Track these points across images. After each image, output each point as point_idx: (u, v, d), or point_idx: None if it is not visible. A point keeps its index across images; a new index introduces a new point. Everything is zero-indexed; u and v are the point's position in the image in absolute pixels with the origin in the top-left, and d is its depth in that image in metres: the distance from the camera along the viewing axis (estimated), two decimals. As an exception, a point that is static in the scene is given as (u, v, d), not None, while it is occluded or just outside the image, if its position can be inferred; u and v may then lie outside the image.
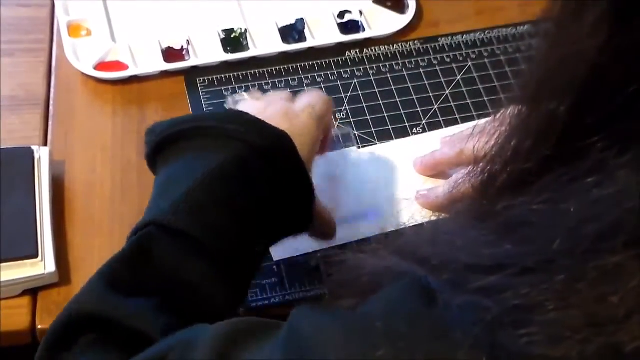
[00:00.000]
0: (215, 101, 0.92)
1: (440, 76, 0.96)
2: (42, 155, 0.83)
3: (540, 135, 0.37)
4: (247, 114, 0.68)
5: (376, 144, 0.90)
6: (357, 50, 0.98)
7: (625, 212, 0.30)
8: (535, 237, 0.33)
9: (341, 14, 1.00)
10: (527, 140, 0.38)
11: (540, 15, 0.39)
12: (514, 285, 0.32)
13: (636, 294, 0.30)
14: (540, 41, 0.41)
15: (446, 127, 0.91)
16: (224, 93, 0.93)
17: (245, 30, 0.97)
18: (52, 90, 0.93)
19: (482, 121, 0.43)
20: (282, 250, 0.80)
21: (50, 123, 0.90)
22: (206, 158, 0.63)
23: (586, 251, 0.31)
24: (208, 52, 0.96)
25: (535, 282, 0.32)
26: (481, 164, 0.42)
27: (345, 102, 0.93)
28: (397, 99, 0.94)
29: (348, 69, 0.96)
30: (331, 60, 0.97)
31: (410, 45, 0.99)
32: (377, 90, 0.94)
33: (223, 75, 0.94)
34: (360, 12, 1.00)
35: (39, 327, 0.76)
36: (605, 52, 0.35)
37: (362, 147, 0.89)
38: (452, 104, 0.94)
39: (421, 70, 0.97)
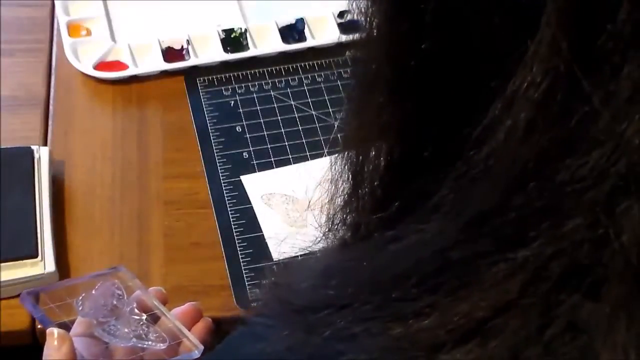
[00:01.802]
0: (214, 101, 0.92)
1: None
2: (42, 155, 0.83)
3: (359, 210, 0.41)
4: None
5: (376, 143, 0.90)
6: (357, 50, 0.98)
7: (415, 261, 0.35)
8: (349, 282, 0.38)
9: (341, 14, 1.00)
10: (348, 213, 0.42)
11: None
12: (332, 319, 0.36)
13: (437, 327, 0.33)
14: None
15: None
16: (224, 93, 0.93)
17: (245, 30, 0.97)
18: (52, 90, 0.93)
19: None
20: (282, 250, 0.80)
21: (50, 123, 0.90)
22: None
23: (386, 288, 0.35)
24: (208, 52, 0.96)
25: (347, 315, 0.36)
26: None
27: (346, 102, 0.93)
28: (397, 99, 0.94)
29: (348, 69, 0.96)
30: (331, 60, 0.97)
31: (410, 45, 0.99)
32: (377, 90, 0.94)
33: (223, 75, 0.94)
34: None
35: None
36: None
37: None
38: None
39: (421, 70, 0.97)
